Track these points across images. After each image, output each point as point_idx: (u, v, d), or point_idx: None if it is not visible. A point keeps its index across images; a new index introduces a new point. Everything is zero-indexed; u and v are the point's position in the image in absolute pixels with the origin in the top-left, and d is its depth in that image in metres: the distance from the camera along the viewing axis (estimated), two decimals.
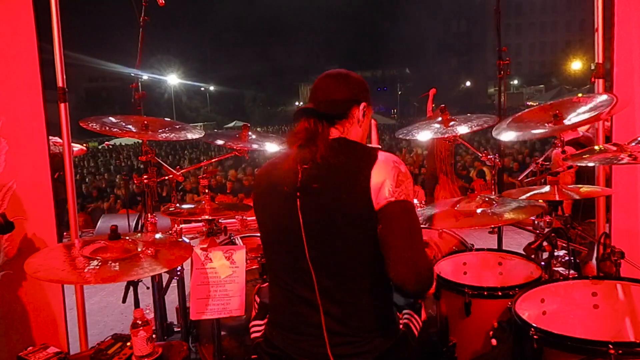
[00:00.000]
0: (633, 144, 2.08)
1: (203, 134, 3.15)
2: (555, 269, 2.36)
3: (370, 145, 1.70)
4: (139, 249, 1.87)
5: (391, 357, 1.61)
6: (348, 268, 1.56)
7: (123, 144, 30.01)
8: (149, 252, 1.87)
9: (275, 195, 1.63)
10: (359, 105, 1.71)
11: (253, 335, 1.84)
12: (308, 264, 1.57)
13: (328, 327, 1.57)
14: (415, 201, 3.54)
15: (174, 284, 2.98)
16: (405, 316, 1.81)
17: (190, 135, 2.99)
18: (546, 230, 2.39)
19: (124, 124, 2.85)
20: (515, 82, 52.84)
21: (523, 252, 2.32)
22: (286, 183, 1.59)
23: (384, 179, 1.52)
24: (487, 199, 2.50)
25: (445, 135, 3.05)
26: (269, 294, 1.79)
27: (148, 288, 3.13)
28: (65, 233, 3.79)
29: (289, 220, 1.58)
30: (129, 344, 1.90)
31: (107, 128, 2.73)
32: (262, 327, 1.81)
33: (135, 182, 2.92)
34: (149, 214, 2.91)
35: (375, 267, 1.55)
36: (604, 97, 2.43)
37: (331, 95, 1.67)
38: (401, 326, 1.74)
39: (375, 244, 1.52)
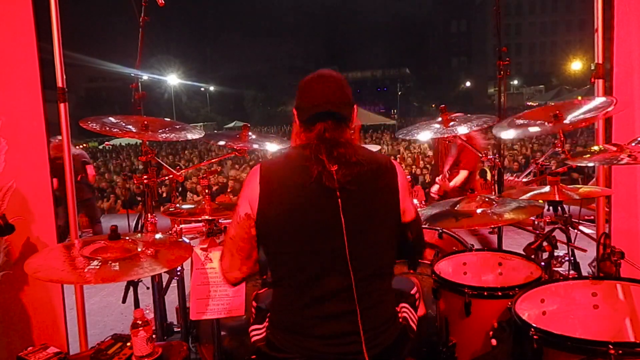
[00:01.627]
0: (633, 144, 2.08)
1: (203, 134, 3.15)
2: (555, 269, 2.36)
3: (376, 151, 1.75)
4: (139, 249, 1.87)
5: (394, 350, 1.65)
6: (378, 267, 1.64)
7: (123, 144, 30.03)
8: (149, 252, 1.87)
9: (298, 192, 1.59)
10: (353, 106, 1.75)
11: (254, 339, 1.82)
12: (346, 263, 1.56)
13: (351, 327, 1.58)
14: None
15: (174, 284, 2.98)
16: (403, 310, 1.83)
17: (190, 135, 2.99)
18: (546, 230, 2.39)
19: (124, 124, 2.85)
20: (515, 82, 52.93)
21: (523, 252, 2.32)
22: (319, 181, 1.56)
23: (405, 192, 1.71)
24: (487, 199, 2.50)
25: (445, 135, 3.05)
26: (273, 295, 1.75)
27: (148, 288, 3.12)
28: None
29: (326, 218, 1.57)
30: (129, 344, 1.90)
31: (107, 128, 2.73)
32: (263, 331, 1.80)
33: (135, 182, 2.92)
34: (149, 214, 2.91)
35: (392, 266, 1.73)
36: (603, 99, 2.43)
37: (341, 97, 1.67)
38: (400, 320, 1.76)
39: (394, 244, 1.69)
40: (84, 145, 30.77)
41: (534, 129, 2.46)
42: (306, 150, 1.63)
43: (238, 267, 1.72)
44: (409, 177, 1.68)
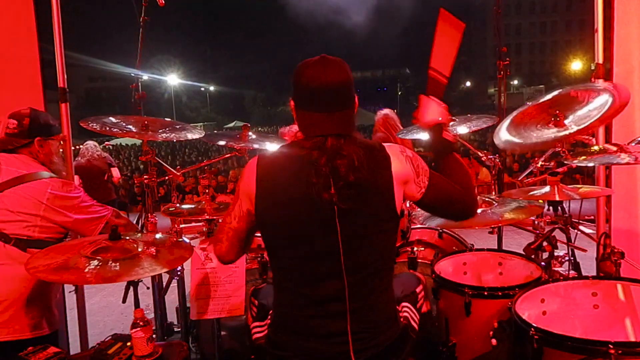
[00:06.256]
0: (633, 144, 2.08)
1: (203, 134, 3.15)
2: (555, 269, 2.36)
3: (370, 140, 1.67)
4: (139, 249, 1.87)
5: (394, 350, 1.64)
6: (375, 266, 1.60)
7: (123, 144, 30.03)
8: (149, 252, 1.87)
9: (293, 197, 1.56)
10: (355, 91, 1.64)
11: (255, 337, 1.82)
12: (340, 264, 1.55)
13: (344, 327, 1.58)
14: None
15: (174, 284, 2.98)
16: (405, 309, 1.83)
17: (190, 135, 2.99)
18: (546, 230, 2.39)
19: (124, 124, 2.85)
20: (515, 82, 52.93)
21: (523, 252, 2.32)
22: (316, 188, 1.52)
23: (405, 176, 1.60)
24: (487, 199, 2.51)
25: None
26: (273, 296, 1.74)
27: (148, 288, 3.13)
28: None
29: (321, 224, 1.55)
30: (129, 344, 1.90)
31: (107, 128, 2.73)
32: (264, 328, 1.80)
33: (135, 182, 2.92)
34: (149, 214, 2.91)
35: (390, 264, 1.68)
36: (604, 94, 2.41)
37: (343, 96, 1.57)
38: (401, 319, 1.75)
39: (392, 242, 1.65)
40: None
41: (537, 141, 2.42)
42: (304, 152, 1.56)
43: (235, 253, 1.77)
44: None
